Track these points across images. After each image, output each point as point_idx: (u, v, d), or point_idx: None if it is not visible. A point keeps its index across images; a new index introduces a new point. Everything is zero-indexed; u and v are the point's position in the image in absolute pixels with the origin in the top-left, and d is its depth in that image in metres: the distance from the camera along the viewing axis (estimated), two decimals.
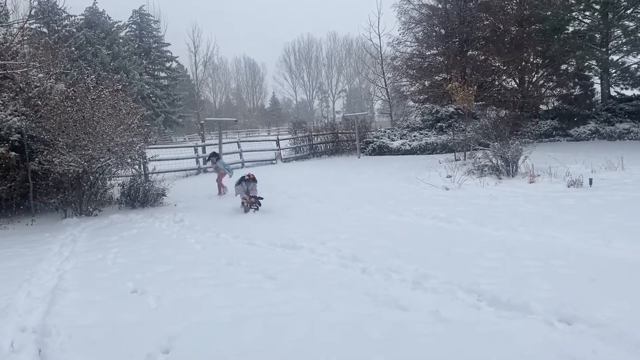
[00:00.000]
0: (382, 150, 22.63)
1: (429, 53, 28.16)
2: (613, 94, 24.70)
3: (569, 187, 10.29)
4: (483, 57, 26.27)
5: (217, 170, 13.00)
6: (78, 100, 10.43)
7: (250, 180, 10.08)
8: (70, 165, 10.14)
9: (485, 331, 3.85)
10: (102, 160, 10.83)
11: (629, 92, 24.64)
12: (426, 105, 25.66)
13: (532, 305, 4.23)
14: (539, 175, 11.41)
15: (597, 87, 25.14)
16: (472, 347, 3.60)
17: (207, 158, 14.02)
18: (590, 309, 4.08)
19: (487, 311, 4.29)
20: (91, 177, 10.87)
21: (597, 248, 5.99)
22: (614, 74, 24.36)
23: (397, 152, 22.11)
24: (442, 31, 26.92)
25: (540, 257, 5.66)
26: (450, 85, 17.56)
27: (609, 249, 5.91)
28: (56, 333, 4.23)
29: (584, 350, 3.45)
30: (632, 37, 22.19)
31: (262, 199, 9.99)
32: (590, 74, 25.08)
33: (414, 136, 22.99)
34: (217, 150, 15.11)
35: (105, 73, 18.76)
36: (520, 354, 3.45)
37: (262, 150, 22.95)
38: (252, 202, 9.88)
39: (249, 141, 25.59)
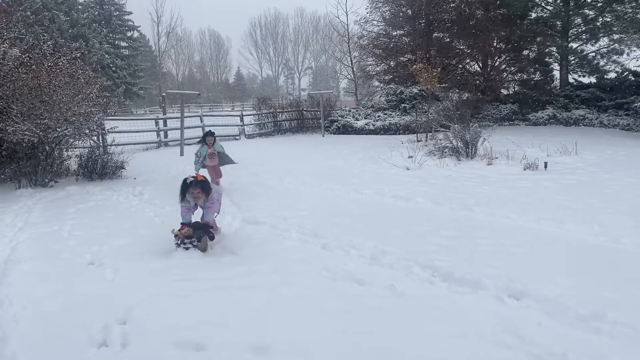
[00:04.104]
0: (347, 129, 22.73)
1: (395, 33, 28.25)
2: (571, 80, 25.40)
3: (524, 170, 10.61)
4: (448, 39, 26.55)
5: (213, 159, 9.07)
6: (34, 67, 10.03)
7: (198, 185, 5.41)
8: (25, 135, 9.80)
9: (438, 305, 3.99)
10: (59, 130, 10.49)
11: (585, 80, 25.42)
12: (391, 86, 25.80)
13: (484, 281, 4.39)
14: (496, 158, 11.71)
15: (557, 74, 25.81)
16: (425, 320, 3.72)
17: (200, 140, 9.38)
18: (539, 285, 4.27)
19: (440, 286, 4.44)
20: (47, 147, 10.54)
21: (548, 228, 6.25)
22: (573, 62, 25.04)
23: (361, 131, 22.24)
24: (409, 12, 26.99)
25: (493, 236, 5.86)
26: (414, 66, 17.67)
27: (560, 230, 6.17)
28: (9, 304, 4.14)
29: (530, 323, 3.61)
30: (591, 26, 22.82)
31: (211, 229, 5.59)
32: (550, 60, 25.74)
33: (378, 116, 23.14)
34: (205, 131, 10.08)
35: (63, 40, 18.10)
36: (470, 327, 3.59)
37: (225, 126, 22.69)
38: (187, 236, 5.35)
39: (212, 116, 25.24)
